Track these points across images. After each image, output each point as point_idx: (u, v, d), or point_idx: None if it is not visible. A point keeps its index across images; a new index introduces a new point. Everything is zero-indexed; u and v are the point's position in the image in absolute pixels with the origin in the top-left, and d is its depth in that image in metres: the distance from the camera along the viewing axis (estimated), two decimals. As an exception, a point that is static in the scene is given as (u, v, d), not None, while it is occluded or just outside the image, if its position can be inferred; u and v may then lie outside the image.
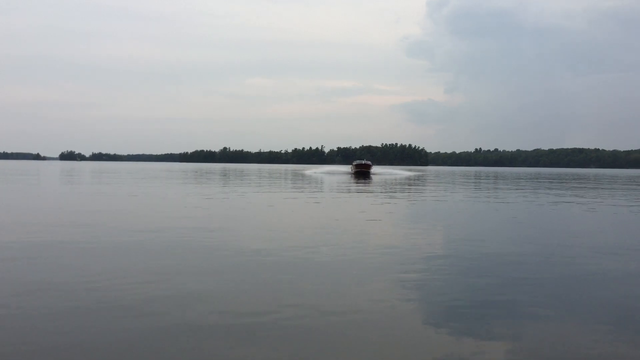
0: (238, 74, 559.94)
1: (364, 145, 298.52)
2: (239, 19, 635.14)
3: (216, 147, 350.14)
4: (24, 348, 4.66)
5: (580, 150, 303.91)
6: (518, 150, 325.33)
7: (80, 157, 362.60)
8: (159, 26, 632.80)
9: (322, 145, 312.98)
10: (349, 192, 27.81)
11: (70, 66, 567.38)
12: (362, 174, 60.81)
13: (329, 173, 67.79)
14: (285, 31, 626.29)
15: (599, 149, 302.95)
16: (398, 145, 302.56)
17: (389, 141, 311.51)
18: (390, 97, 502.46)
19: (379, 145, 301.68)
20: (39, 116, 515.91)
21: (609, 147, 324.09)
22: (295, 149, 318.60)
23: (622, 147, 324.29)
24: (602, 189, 36.33)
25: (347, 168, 74.74)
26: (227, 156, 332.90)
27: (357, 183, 38.87)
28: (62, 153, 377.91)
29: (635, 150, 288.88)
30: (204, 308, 5.84)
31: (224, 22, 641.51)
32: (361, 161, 65.87)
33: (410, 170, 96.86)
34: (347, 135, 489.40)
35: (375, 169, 68.99)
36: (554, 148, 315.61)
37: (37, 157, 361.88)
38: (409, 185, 38.01)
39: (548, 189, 35.03)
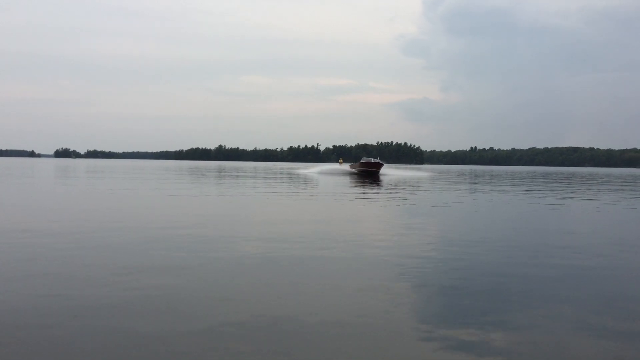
0: (234, 71, 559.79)
1: (360, 143, 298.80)
2: (235, 17, 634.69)
3: (211, 145, 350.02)
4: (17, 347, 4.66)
5: (575, 149, 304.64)
6: (513, 149, 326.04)
7: (75, 155, 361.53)
8: (155, 24, 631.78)
9: (317, 144, 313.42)
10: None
11: (65, 63, 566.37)
12: (369, 174, 50.87)
13: (324, 173, 57.27)
14: (281, 29, 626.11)
15: (593, 148, 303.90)
16: (394, 143, 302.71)
17: (384, 139, 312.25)
18: (386, 95, 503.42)
19: (375, 143, 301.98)
20: (33, 113, 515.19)
21: (603, 146, 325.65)
22: (291, 147, 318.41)
23: (617, 146, 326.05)
24: (612, 190, 36.39)
25: (345, 167, 62.82)
26: (223, 154, 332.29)
27: (365, 185, 37.23)
28: (56, 150, 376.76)
29: (629, 150, 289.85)
30: (196, 308, 5.84)
31: (219, 20, 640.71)
32: (370, 159, 53.89)
33: (419, 169, 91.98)
34: (343, 134, 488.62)
35: (383, 170, 54.53)
36: (549, 147, 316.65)
37: (31, 154, 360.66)
38: (426, 185, 37.53)
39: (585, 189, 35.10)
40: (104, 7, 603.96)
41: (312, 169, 65.67)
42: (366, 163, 52.66)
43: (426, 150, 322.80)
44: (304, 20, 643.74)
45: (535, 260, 8.84)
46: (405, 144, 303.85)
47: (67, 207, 16.54)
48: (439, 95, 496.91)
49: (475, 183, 41.99)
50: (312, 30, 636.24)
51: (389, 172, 57.88)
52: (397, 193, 26.25)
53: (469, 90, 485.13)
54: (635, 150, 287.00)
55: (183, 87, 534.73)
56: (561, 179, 54.76)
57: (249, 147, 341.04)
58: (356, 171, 53.75)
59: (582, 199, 24.55)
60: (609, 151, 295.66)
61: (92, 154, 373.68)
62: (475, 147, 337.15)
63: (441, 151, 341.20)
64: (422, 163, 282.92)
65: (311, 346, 4.84)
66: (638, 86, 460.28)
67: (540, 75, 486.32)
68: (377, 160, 53.10)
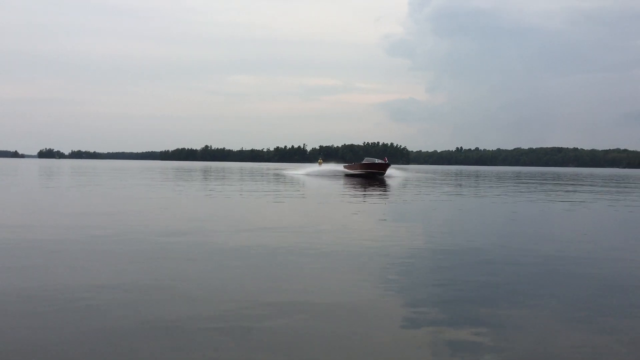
0: (220, 71, 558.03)
1: (346, 143, 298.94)
2: (221, 16, 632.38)
3: (197, 145, 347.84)
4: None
5: (559, 150, 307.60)
6: (498, 149, 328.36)
7: (59, 155, 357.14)
8: (140, 22, 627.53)
9: (304, 144, 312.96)
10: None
11: (49, 62, 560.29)
12: (374, 176, 44.93)
13: (316, 174, 50.24)
14: (267, 28, 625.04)
15: (577, 148, 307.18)
16: (380, 144, 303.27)
17: (370, 140, 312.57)
18: (371, 95, 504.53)
19: (361, 143, 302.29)
20: (17, 113, 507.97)
21: (587, 146, 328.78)
22: (278, 147, 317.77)
23: (600, 146, 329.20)
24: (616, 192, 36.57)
25: (326, 167, 57.20)
26: (209, 154, 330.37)
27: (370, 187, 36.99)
28: (40, 151, 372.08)
29: (612, 150, 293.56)
30: (187, 308, 5.79)
31: (205, 19, 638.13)
32: (373, 159, 47.64)
33: (406, 170, 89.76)
34: (329, 134, 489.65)
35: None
36: (534, 147, 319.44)
37: (15, 154, 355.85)
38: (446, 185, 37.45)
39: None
40: (86, 5, 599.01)
41: (300, 170, 59.75)
42: (370, 164, 46.25)
43: (412, 151, 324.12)
44: (290, 19, 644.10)
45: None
46: (392, 144, 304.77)
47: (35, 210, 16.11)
48: (425, 95, 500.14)
49: (479, 185, 42.02)
50: (298, 29, 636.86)
51: (388, 172, 49.82)
52: (443, 196, 26.02)
53: (454, 91, 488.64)
54: (618, 150, 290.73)
55: (169, 87, 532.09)
56: (548, 179, 55.15)
57: (236, 148, 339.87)
58: (356, 173, 47.66)
59: (572, 201, 24.61)
60: (593, 151, 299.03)
61: (77, 155, 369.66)
62: (461, 147, 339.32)
63: (427, 151, 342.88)
64: (408, 163, 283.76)
65: (308, 345, 4.80)
66: (622, 87, 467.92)
67: (525, 75, 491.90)
68: (381, 161, 46.31)
